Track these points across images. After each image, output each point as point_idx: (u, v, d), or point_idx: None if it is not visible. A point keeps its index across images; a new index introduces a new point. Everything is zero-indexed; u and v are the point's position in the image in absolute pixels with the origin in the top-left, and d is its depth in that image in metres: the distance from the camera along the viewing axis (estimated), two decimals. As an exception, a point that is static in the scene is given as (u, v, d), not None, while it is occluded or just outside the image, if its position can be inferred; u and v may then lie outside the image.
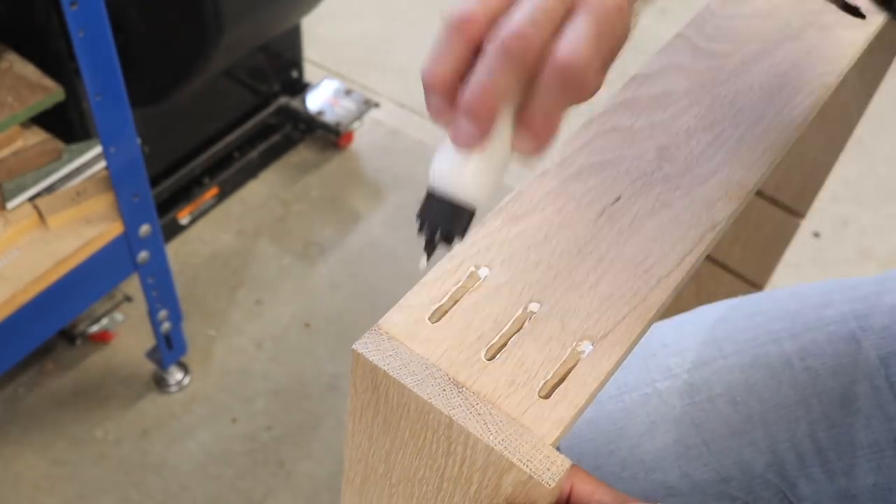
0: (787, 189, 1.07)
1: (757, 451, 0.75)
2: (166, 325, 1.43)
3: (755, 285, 1.17)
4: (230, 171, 1.79)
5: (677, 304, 1.25)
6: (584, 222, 0.56)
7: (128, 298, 1.56)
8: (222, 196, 1.80)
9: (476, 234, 0.54)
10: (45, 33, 1.32)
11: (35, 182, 1.27)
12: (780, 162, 1.06)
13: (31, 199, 1.27)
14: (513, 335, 0.49)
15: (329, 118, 1.86)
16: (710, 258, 1.18)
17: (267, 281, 1.68)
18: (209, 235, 1.76)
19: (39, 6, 1.30)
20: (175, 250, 1.71)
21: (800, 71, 0.69)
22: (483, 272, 0.52)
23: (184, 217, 1.72)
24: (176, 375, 1.54)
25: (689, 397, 0.76)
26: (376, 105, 1.92)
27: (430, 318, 0.49)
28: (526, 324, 0.50)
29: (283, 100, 1.85)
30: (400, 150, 1.96)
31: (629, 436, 0.77)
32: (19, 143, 1.30)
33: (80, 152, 1.31)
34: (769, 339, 0.77)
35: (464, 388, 0.46)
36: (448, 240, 0.49)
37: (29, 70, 1.30)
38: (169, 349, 1.47)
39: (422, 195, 0.52)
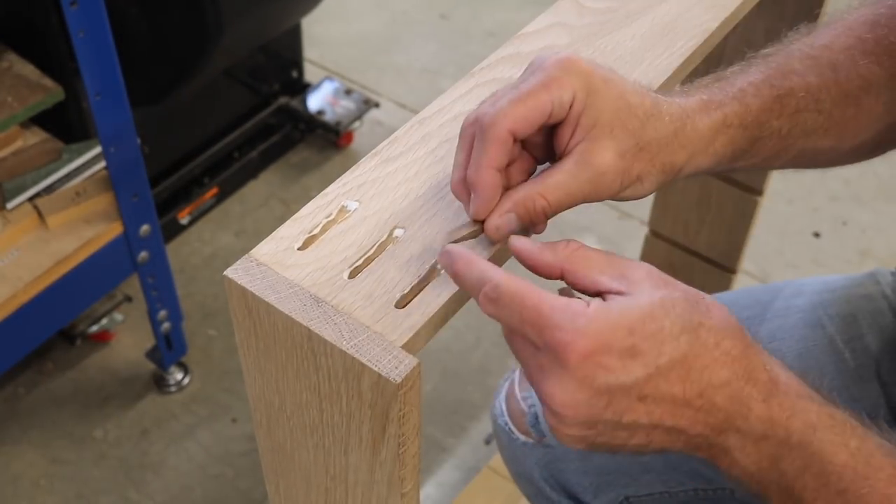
0: None
1: None
2: (166, 325, 1.43)
3: (728, 269, 1.18)
4: (230, 171, 1.79)
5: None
6: None
7: (128, 298, 1.56)
8: (222, 196, 1.80)
9: (349, 175, 0.57)
10: (45, 33, 1.32)
11: (35, 182, 1.27)
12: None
13: (31, 199, 1.27)
14: (376, 258, 0.53)
15: (329, 118, 1.86)
16: (680, 247, 1.20)
17: (267, 281, 1.67)
18: (209, 235, 1.76)
19: (39, 6, 1.30)
20: (175, 250, 1.71)
21: (684, 20, 0.71)
22: (352, 205, 0.55)
23: (184, 217, 1.72)
24: (176, 375, 1.54)
25: None
26: (376, 105, 1.92)
27: (298, 247, 0.53)
28: (389, 247, 0.53)
29: (283, 100, 1.85)
30: (400, 151, 1.96)
31: None
32: (19, 143, 1.30)
33: (80, 152, 1.31)
34: None
35: (323, 303, 0.50)
36: None
37: (29, 70, 1.31)
38: (169, 349, 1.47)
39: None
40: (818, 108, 0.60)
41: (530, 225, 0.53)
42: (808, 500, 0.47)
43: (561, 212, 0.53)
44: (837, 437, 0.47)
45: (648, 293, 0.46)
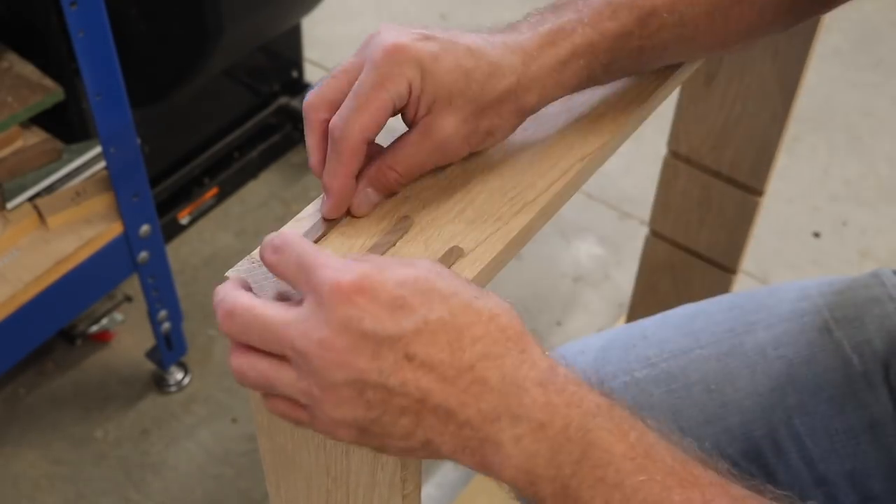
0: (741, 167, 1.10)
1: (732, 438, 0.76)
2: (166, 325, 1.43)
3: (728, 269, 1.19)
4: (230, 171, 1.79)
5: (656, 296, 1.27)
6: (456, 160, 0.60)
7: (128, 298, 1.56)
8: (222, 196, 1.80)
9: None
10: (45, 33, 1.32)
11: (35, 182, 1.27)
12: (729, 141, 1.08)
13: (31, 199, 1.27)
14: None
15: (329, 118, 1.86)
16: (680, 247, 1.20)
17: (267, 281, 1.67)
18: (209, 235, 1.76)
19: (39, 6, 1.29)
20: (175, 250, 1.71)
21: None
22: None
23: (184, 217, 1.72)
24: (176, 375, 1.54)
25: (666, 385, 0.78)
26: (376, 105, 1.92)
27: None
28: (391, 248, 0.54)
29: (283, 100, 1.85)
30: (400, 150, 1.96)
31: None
32: (19, 143, 1.30)
33: (80, 152, 1.31)
34: (744, 329, 0.79)
35: None
36: None
37: (29, 70, 1.30)
38: (169, 349, 1.47)
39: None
40: (682, 21, 0.59)
41: (389, 193, 0.56)
42: (584, 498, 0.44)
43: (416, 176, 0.56)
44: (616, 427, 0.44)
45: (426, 262, 0.47)
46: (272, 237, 0.48)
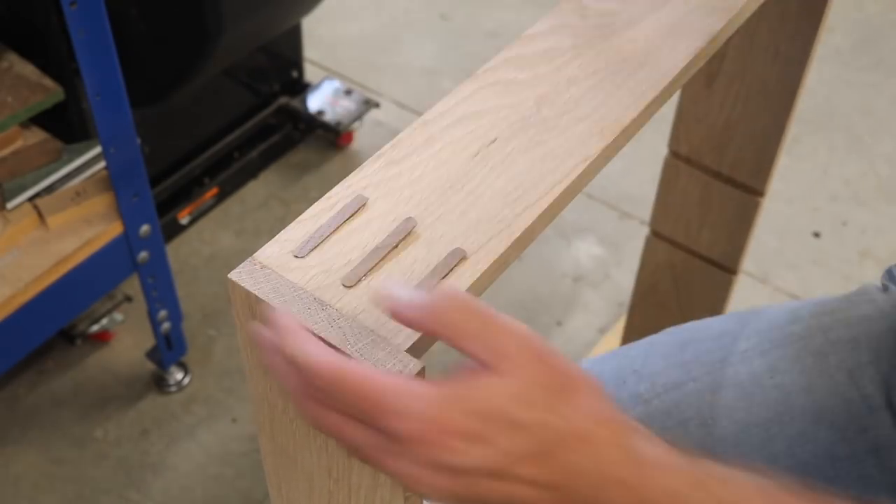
0: (742, 167, 1.10)
1: None
2: (166, 325, 1.43)
3: (728, 269, 1.19)
4: (230, 171, 1.79)
5: (656, 296, 1.27)
6: (459, 161, 0.60)
7: (128, 298, 1.56)
8: (222, 196, 1.80)
9: (354, 177, 0.58)
10: (45, 33, 1.32)
11: (35, 182, 1.27)
12: (729, 141, 1.07)
13: (31, 199, 1.27)
14: (380, 260, 0.53)
15: (329, 118, 1.86)
16: (680, 247, 1.20)
17: (267, 281, 1.67)
18: (209, 235, 1.76)
19: (39, 6, 1.29)
20: (175, 250, 1.71)
21: (688, 22, 0.71)
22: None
23: (184, 217, 1.72)
24: (176, 375, 1.54)
25: (661, 423, 0.76)
26: (376, 105, 1.92)
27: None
28: (394, 250, 0.54)
29: (283, 100, 1.85)
30: (400, 150, 1.96)
31: None
32: (19, 143, 1.30)
33: (80, 152, 1.31)
34: (737, 358, 0.77)
35: (328, 307, 0.50)
36: None
37: (29, 70, 1.30)
38: (169, 349, 1.47)
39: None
40: None
41: None
42: None
43: None
44: (704, 494, 0.46)
45: (514, 376, 0.45)
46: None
